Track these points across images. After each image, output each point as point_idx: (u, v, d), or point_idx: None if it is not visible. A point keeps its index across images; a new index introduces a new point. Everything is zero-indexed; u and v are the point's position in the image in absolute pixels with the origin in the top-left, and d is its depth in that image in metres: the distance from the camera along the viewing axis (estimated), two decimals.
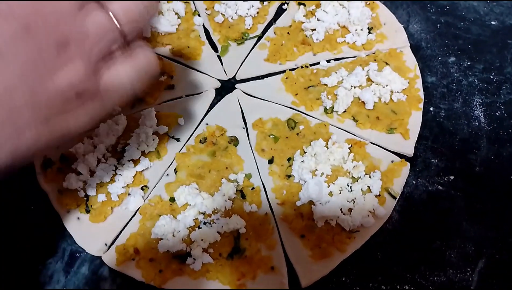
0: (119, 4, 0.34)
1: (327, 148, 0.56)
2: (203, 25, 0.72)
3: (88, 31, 0.33)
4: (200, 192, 0.52)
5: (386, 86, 0.60)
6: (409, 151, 0.57)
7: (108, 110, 0.38)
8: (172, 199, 0.52)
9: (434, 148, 0.58)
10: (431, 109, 0.61)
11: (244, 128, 0.60)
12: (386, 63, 0.64)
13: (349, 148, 0.56)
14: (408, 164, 0.55)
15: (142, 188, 0.54)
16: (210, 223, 0.50)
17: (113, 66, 0.35)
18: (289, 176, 0.55)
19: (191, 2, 0.74)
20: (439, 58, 0.67)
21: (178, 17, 0.71)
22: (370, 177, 0.53)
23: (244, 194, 0.53)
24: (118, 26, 0.34)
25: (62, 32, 0.32)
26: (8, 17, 0.31)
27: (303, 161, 0.55)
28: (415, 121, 0.59)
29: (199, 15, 0.73)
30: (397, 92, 0.61)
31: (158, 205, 0.52)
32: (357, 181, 0.53)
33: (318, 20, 0.69)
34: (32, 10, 0.32)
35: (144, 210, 0.52)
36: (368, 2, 0.71)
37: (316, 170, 0.54)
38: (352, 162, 0.55)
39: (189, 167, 0.55)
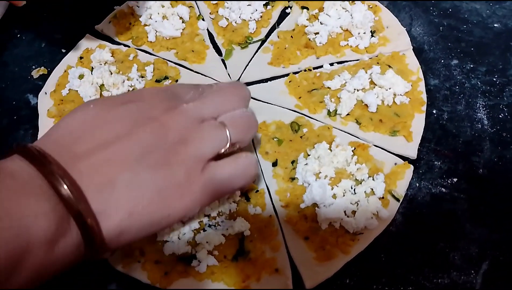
0: (234, 129, 0.43)
1: (331, 150, 0.56)
2: (207, 29, 0.72)
3: (206, 137, 0.41)
4: None
5: (389, 89, 0.61)
6: (412, 153, 0.57)
7: (208, 203, 0.45)
8: None
9: (437, 151, 0.58)
10: (434, 111, 0.62)
11: None
12: (389, 66, 0.64)
13: (352, 150, 0.56)
14: (412, 167, 0.56)
15: None
16: (215, 226, 0.50)
17: (218, 163, 0.42)
18: (293, 178, 0.55)
19: (195, 6, 0.75)
20: (442, 61, 0.67)
21: (183, 22, 0.72)
22: (373, 179, 0.54)
23: (248, 196, 0.54)
24: (230, 139, 0.42)
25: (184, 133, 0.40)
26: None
27: (306, 163, 0.55)
28: (418, 124, 0.60)
29: (203, 20, 0.73)
30: (400, 94, 0.61)
31: None
32: (361, 183, 0.53)
33: (321, 23, 0.69)
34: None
35: None
36: (371, 5, 0.71)
37: (320, 172, 0.54)
38: (355, 164, 0.55)
39: None
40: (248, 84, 0.66)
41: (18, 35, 0.74)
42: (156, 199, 0.37)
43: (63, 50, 0.71)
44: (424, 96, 0.62)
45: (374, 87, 0.61)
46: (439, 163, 0.57)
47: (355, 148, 0.57)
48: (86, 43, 0.71)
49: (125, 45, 0.71)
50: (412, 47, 0.67)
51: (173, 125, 0.39)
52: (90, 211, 0.33)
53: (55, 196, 0.32)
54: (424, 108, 0.61)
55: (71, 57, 0.69)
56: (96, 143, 0.36)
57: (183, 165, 0.39)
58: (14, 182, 0.32)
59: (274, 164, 0.57)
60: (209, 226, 0.50)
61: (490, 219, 0.53)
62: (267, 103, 0.64)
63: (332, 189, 0.52)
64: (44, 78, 0.68)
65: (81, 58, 0.69)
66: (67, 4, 0.77)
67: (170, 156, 0.38)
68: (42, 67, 0.69)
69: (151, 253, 0.49)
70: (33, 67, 0.70)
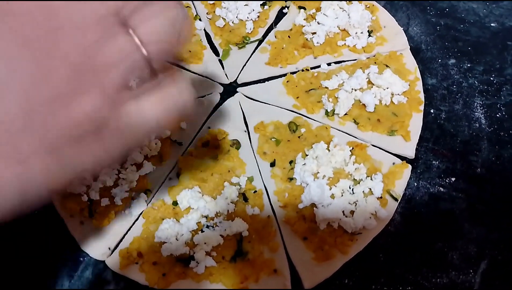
0: (146, 26, 0.29)
1: (329, 150, 0.56)
2: (204, 30, 0.72)
3: (108, 57, 0.28)
4: (202, 195, 0.53)
5: (387, 88, 0.61)
6: (410, 153, 0.57)
7: (129, 146, 0.32)
8: (175, 203, 0.52)
9: (435, 150, 0.58)
10: (432, 111, 0.62)
11: (246, 131, 0.61)
12: (387, 66, 0.64)
13: (350, 150, 0.56)
14: (410, 166, 0.56)
15: (145, 192, 0.54)
16: (213, 227, 0.50)
17: (136, 99, 0.30)
18: (291, 179, 0.55)
19: (192, 6, 0.75)
20: (439, 60, 0.67)
21: None
22: (371, 179, 0.54)
23: (246, 197, 0.54)
24: (144, 51, 0.28)
25: (77, 56, 0.27)
26: (12, 29, 0.26)
27: (305, 163, 0.55)
28: (416, 123, 0.60)
29: (200, 20, 0.73)
30: (398, 94, 0.61)
31: (161, 208, 0.52)
32: (359, 183, 0.53)
33: (318, 23, 0.69)
34: (42, 24, 0.27)
35: (147, 214, 0.52)
36: (368, 5, 0.71)
37: (318, 172, 0.54)
38: (353, 164, 0.55)
39: (191, 171, 0.56)
40: (246, 84, 0.66)
41: None
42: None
43: None
44: (421, 96, 0.62)
45: (372, 87, 0.61)
46: (437, 162, 0.57)
47: (353, 148, 0.57)
48: None
49: None
50: (409, 47, 0.67)
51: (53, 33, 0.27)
52: None
53: None
54: (421, 107, 0.61)
55: None
56: None
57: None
58: None
59: (272, 164, 0.57)
60: (207, 227, 0.50)
61: (488, 219, 0.53)
62: (265, 103, 0.63)
63: (330, 189, 0.52)
64: None
65: None
66: None
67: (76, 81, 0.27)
68: None
69: (149, 254, 0.49)
70: None
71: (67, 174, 0.30)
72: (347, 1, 0.71)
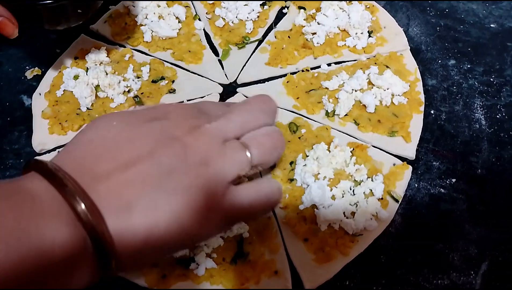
0: (256, 150, 0.42)
1: (329, 151, 0.56)
2: (204, 29, 0.72)
3: (228, 159, 0.40)
4: None
5: (387, 89, 0.61)
6: (411, 154, 0.57)
7: (227, 229, 0.47)
8: None
9: (436, 151, 0.58)
10: (432, 112, 0.62)
11: None
12: (387, 66, 0.64)
13: (351, 151, 0.56)
14: (410, 167, 0.56)
15: None
16: None
17: (238, 187, 0.40)
18: (291, 180, 0.55)
19: (192, 6, 0.74)
20: (439, 61, 0.67)
21: (179, 22, 0.72)
22: (372, 180, 0.54)
23: None
24: (251, 161, 0.41)
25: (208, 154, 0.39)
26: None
27: (305, 164, 0.55)
28: (416, 124, 0.59)
29: (199, 20, 0.73)
30: (398, 95, 0.61)
31: None
32: (360, 184, 0.53)
33: (318, 24, 0.69)
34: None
35: None
36: (368, 5, 0.71)
37: (319, 173, 0.54)
38: (354, 165, 0.55)
39: None
40: (245, 84, 0.66)
41: None
42: (173, 226, 0.35)
43: (58, 51, 0.70)
44: (422, 97, 0.62)
45: (372, 88, 0.61)
46: (438, 163, 0.57)
47: (353, 149, 0.56)
48: (81, 43, 0.70)
49: (120, 45, 0.70)
50: (409, 48, 0.67)
51: (195, 146, 0.38)
52: (108, 234, 0.32)
53: (74, 219, 0.31)
54: (422, 108, 0.61)
55: (65, 58, 0.68)
56: (117, 164, 0.35)
57: (202, 189, 0.37)
58: (35, 205, 0.31)
59: (272, 165, 0.57)
60: None
61: (489, 219, 0.53)
62: None
63: (331, 190, 0.52)
64: (38, 79, 0.67)
65: (76, 58, 0.68)
66: None
67: (190, 180, 0.36)
68: (36, 68, 0.68)
69: None
70: (27, 67, 0.69)
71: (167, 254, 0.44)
72: (347, 2, 0.71)
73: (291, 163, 0.56)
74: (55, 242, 0.30)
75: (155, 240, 0.34)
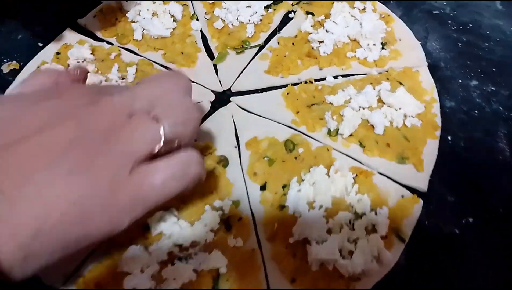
0: (169, 123, 0.36)
1: (329, 176, 0.49)
2: (201, 31, 0.66)
3: (136, 133, 0.35)
4: (178, 220, 0.45)
5: (399, 109, 0.54)
6: (422, 185, 0.50)
7: (133, 219, 0.35)
8: (146, 227, 0.45)
9: (451, 184, 0.51)
10: (449, 138, 0.54)
11: (236, 147, 0.54)
12: (400, 83, 0.57)
13: (353, 177, 0.49)
14: (421, 201, 0.48)
15: None
16: (186, 259, 0.43)
17: (149, 166, 0.35)
18: (282, 206, 0.48)
19: (190, 5, 0.68)
20: (460, 81, 0.60)
21: (174, 20, 0.65)
22: (376, 213, 0.46)
23: (229, 224, 0.46)
24: (164, 135, 0.36)
25: (113, 129, 0.34)
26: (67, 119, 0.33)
27: (299, 190, 0.48)
28: (430, 151, 0.52)
29: (197, 19, 0.66)
30: (411, 116, 0.54)
31: (129, 232, 0.45)
32: (361, 217, 0.46)
33: (326, 31, 0.62)
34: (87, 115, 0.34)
35: (112, 237, 0.45)
36: (383, 14, 0.64)
37: (314, 201, 0.47)
38: (356, 194, 0.48)
39: None
40: (241, 93, 0.59)
41: None
42: (71, 213, 0.30)
43: (40, 44, 0.64)
44: (438, 120, 0.55)
45: (382, 106, 0.54)
46: (453, 198, 0.50)
47: (356, 175, 0.49)
48: (65, 38, 0.64)
49: (108, 42, 0.64)
50: (426, 64, 0.60)
51: (93, 122, 0.34)
52: None
53: None
54: (437, 133, 0.54)
55: (47, 52, 0.63)
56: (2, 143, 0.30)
57: (106, 169, 0.32)
58: None
59: (263, 187, 0.50)
60: (179, 259, 0.43)
61: (507, 266, 0.45)
62: (260, 116, 0.56)
63: (327, 222, 0.45)
64: (15, 73, 0.61)
65: (58, 53, 0.62)
66: None
67: (89, 159, 0.32)
68: (14, 62, 0.62)
69: (109, 286, 0.42)
70: (5, 60, 0.63)
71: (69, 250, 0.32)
72: (360, 9, 0.64)
73: (283, 186, 0.49)
74: None
75: (48, 233, 0.29)
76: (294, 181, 0.49)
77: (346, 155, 0.52)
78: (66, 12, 0.68)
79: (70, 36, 0.65)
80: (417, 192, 0.49)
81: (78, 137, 0.32)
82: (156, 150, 0.35)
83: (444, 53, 0.63)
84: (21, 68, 0.62)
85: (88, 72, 0.44)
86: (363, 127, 0.53)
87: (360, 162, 0.52)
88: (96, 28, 0.65)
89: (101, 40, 0.64)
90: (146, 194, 0.35)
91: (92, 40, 0.64)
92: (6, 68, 0.62)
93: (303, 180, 0.49)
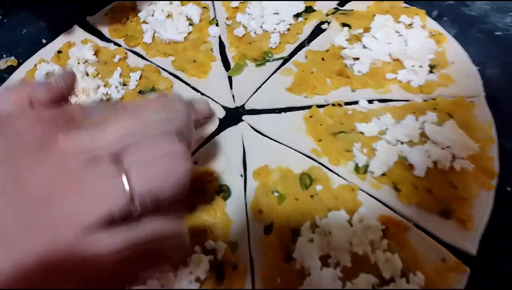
0: (140, 175, 0.27)
1: (351, 225, 0.39)
2: (219, 37, 0.58)
3: (89, 191, 0.26)
4: None
5: (447, 148, 0.44)
6: (470, 247, 0.39)
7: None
8: None
9: (508, 249, 0.40)
10: (508, 189, 0.43)
11: (242, 175, 0.45)
12: (450, 116, 0.47)
13: (382, 229, 0.39)
14: (468, 270, 0.38)
15: None
16: None
17: (102, 233, 0.26)
18: (289, 257, 0.39)
19: (211, 8, 0.61)
20: None
21: (190, 24, 0.58)
22: (408, 281, 0.37)
23: (222, 274, 0.38)
24: (132, 193, 0.26)
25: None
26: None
27: (312, 239, 0.38)
28: (482, 204, 0.42)
29: (217, 25, 0.59)
30: (461, 158, 0.44)
31: None
32: (388, 284, 0.36)
33: (364, 47, 0.54)
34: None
35: None
36: (434, 32, 0.55)
37: (330, 257, 0.37)
38: (384, 252, 0.38)
39: None
40: (256, 111, 0.51)
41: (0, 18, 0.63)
42: None
43: (44, 41, 0.59)
44: (495, 165, 0.44)
45: (425, 142, 0.45)
46: (508, 268, 0.39)
47: (386, 227, 0.40)
48: (71, 36, 0.59)
49: (115, 44, 0.58)
50: (484, 94, 0.50)
51: (33, 174, 0.25)
52: None
53: None
54: (493, 182, 0.43)
55: (48, 50, 0.58)
56: None
57: (38, 242, 0.24)
58: None
59: (268, 229, 0.41)
60: None
61: None
62: (274, 140, 0.48)
63: (344, 285, 0.36)
64: (11, 70, 0.56)
65: (59, 52, 0.57)
66: None
67: (18, 230, 0.24)
68: (13, 58, 0.58)
69: None
70: (4, 56, 0.58)
71: None
72: (406, 24, 0.55)
73: (293, 231, 0.40)
74: None
75: None
76: (307, 226, 0.40)
77: (376, 198, 0.43)
78: (76, 8, 0.62)
79: (76, 34, 0.60)
80: (462, 257, 0.39)
81: (7, 196, 0.25)
82: (119, 211, 0.26)
83: (506, 82, 0.53)
84: (19, 65, 0.56)
85: (75, 80, 0.35)
86: (399, 166, 0.44)
87: (392, 210, 0.42)
88: (104, 28, 0.60)
89: (109, 41, 0.59)
90: (92, 273, 0.26)
91: (98, 40, 0.58)
92: (3, 64, 0.57)
93: (317, 226, 0.40)
